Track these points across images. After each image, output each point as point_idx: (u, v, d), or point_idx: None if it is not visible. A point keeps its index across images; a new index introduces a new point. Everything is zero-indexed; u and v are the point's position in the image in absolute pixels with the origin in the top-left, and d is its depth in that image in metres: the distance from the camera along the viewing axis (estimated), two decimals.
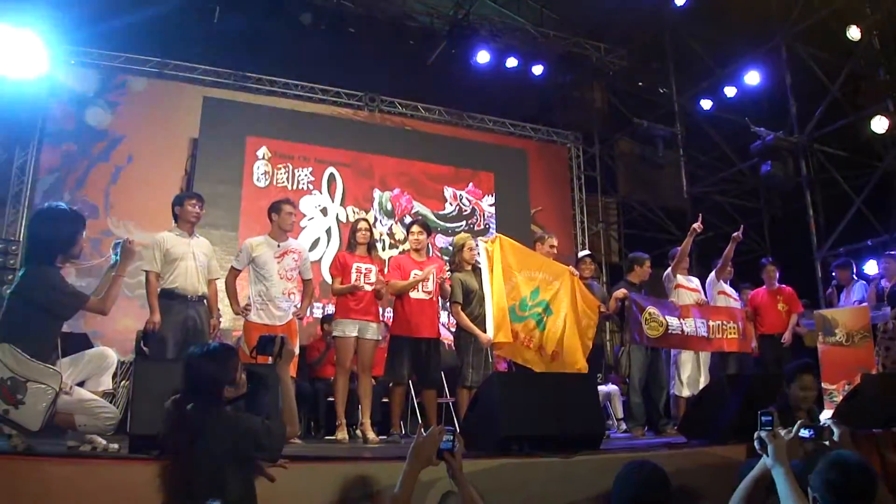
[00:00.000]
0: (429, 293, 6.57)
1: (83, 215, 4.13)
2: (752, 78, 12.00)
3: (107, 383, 4.13)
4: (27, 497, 3.11)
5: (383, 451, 5.23)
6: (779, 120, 11.46)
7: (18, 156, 10.72)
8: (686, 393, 7.48)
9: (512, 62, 12.67)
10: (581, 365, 6.67)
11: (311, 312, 10.26)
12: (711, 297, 7.99)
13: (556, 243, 7.46)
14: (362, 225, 6.63)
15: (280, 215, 6.40)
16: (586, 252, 8.40)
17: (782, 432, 3.00)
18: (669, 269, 7.84)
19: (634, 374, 7.36)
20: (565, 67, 13.04)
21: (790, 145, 11.05)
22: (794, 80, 11.39)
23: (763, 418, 3.14)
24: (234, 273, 6.36)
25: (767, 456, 2.91)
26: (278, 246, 6.33)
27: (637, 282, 7.66)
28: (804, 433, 3.24)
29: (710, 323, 7.53)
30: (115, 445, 3.83)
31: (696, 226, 7.67)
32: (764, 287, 8.53)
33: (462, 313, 6.62)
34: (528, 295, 6.71)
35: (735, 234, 7.81)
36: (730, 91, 12.52)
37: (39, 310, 3.72)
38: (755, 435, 2.99)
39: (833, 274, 9.32)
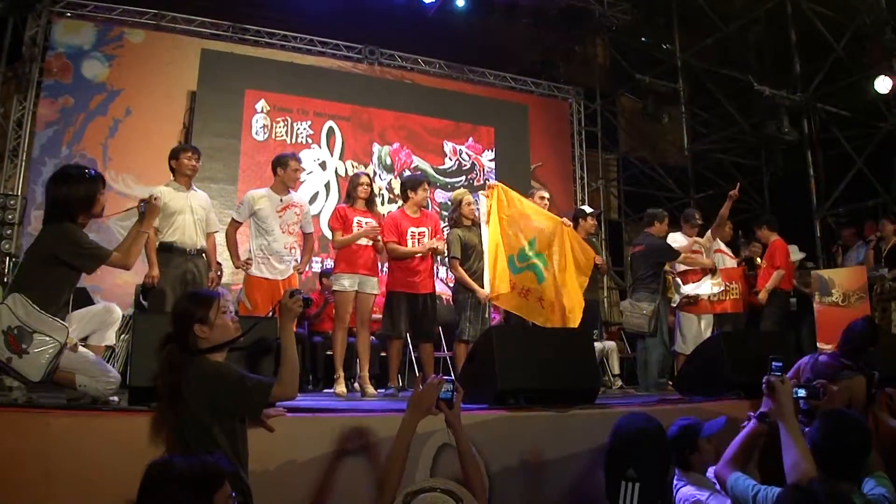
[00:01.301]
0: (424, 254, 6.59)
1: (102, 175, 4.14)
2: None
3: (111, 338, 4.18)
4: (28, 450, 3.14)
5: (381, 403, 5.27)
6: (782, 78, 11.37)
7: (16, 109, 10.67)
8: (689, 350, 7.52)
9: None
10: (576, 317, 6.69)
11: (311, 267, 10.29)
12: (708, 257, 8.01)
13: (546, 195, 7.47)
14: (364, 180, 6.61)
15: (286, 170, 6.38)
16: (594, 210, 8.34)
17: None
18: (709, 232, 7.91)
19: (663, 332, 7.44)
20: (568, 21, 12.87)
21: (793, 104, 10.97)
22: (799, 38, 11.27)
23: (773, 364, 3.18)
24: (234, 225, 6.36)
25: (774, 401, 2.94)
26: (280, 200, 6.32)
27: (659, 236, 7.67)
28: (799, 392, 3.28)
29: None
30: (116, 398, 3.87)
31: (733, 193, 7.69)
32: (779, 239, 8.33)
33: (461, 269, 6.65)
34: (527, 245, 6.72)
35: (731, 191, 7.73)
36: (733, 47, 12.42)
37: (58, 264, 3.74)
38: (764, 379, 3.02)
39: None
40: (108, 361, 4.22)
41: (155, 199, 4.33)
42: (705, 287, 7.75)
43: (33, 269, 3.77)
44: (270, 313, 3.93)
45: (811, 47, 11.21)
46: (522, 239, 6.71)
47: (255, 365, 3.65)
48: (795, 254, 9.25)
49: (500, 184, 6.93)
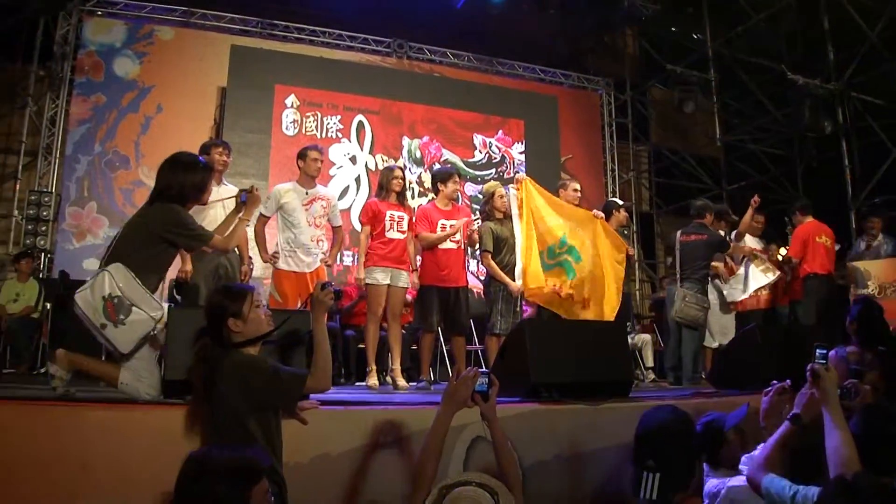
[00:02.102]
0: (457, 242, 6.56)
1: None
2: None
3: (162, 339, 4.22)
4: (65, 443, 3.17)
5: (413, 397, 5.27)
6: (816, 67, 11.21)
7: (49, 107, 10.79)
8: (714, 344, 7.49)
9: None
10: (613, 311, 6.67)
11: (341, 260, 10.33)
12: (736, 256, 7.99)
13: (579, 188, 7.40)
14: (398, 173, 6.59)
15: (305, 161, 6.39)
16: (626, 203, 8.27)
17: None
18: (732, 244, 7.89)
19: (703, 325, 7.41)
20: (597, 12, 12.78)
21: (826, 93, 10.81)
22: (832, 26, 11.10)
23: (818, 351, 3.14)
24: (262, 220, 6.37)
25: (818, 389, 2.90)
26: (306, 193, 6.33)
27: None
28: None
29: None
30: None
31: (755, 200, 7.78)
32: (811, 221, 8.20)
33: (493, 262, 6.63)
34: (556, 243, 6.71)
35: (753, 199, 7.73)
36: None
37: (160, 242, 3.76)
38: (808, 367, 2.97)
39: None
40: None
41: (256, 190, 4.40)
42: (759, 278, 7.73)
43: (135, 243, 3.76)
44: (301, 306, 3.94)
45: (845, 35, 11.04)
46: (552, 236, 6.70)
47: (288, 358, 3.65)
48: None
49: (528, 178, 6.91)
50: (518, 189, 6.72)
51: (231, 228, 4.24)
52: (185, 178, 3.89)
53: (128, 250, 3.71)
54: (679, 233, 7.58)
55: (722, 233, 7.83)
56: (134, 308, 3.55)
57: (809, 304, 7.87)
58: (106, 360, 3.70)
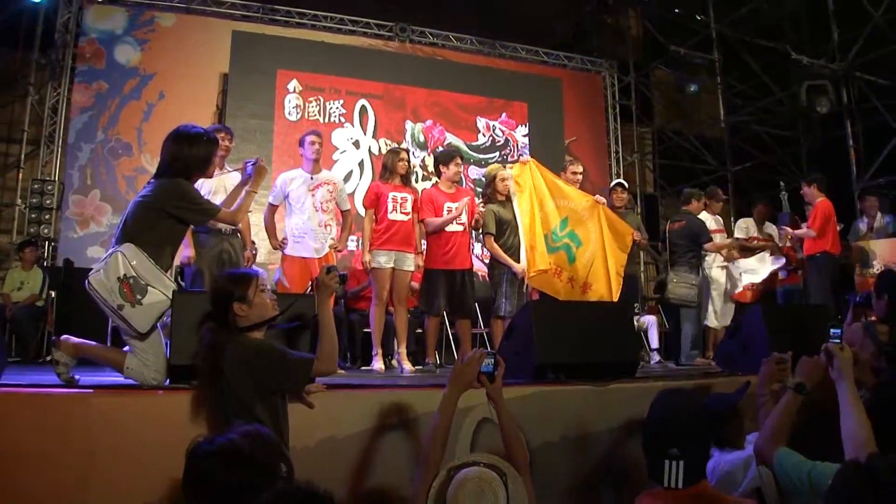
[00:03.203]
0: (462, 224, 6.55)
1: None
2: None
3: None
4: (72, 429, 3.17)
5: (419, 379, 5.27)
6: (820, 47, 11.15)
7: (51, 96, 10.78)
8: (716, 324, 7.53)
9: None
10: (612, 297, 6.70)
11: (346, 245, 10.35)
12: None
13: (579, 170, 7.41)
14: (403, 155, 6.60)
15: (304, 146, 6.41)
16: (618, 181, 8.28)
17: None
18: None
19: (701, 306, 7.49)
20: None
21: (831, 73, 10.75)
22: (837, 6, 11.02)
23: (832, 331, 3.15)
24: (271, 209, 6.41)
25: (833, 368, 2.89)
26: (311, 178, 6.33)
27: (696, 214, 7.78)
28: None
29: None
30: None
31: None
32: (826, 199, 8.11)
33: (496, 245, 6.62)
34: (558, 225, 6.75)
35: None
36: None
37: (167, 217, 3.74)
38: (822, 347, 2.97)
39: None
40: None
41: (262, 160, 4.37)
42: (767, 265, 7.79)
43: (143, 221, 3.73)
44: (308, 290, 3.93)
45: (849, 15, 10.95)
46: (553, 220, 6.71)
47: (294, 342, 3.65)
48: None
49: (532, 159, 6.91)
50: (521, 171, 6.71)
51: (238, 201, 4.21)
52: (189, 151, 3.87)
53: (137, 229, 3.69)
54: (668, 221, 7.84)
55: (716, 215, 8.03)
56: (150, 287, 3.55)
57: (824, 281, 7.83)
58: (111, 346, 3.69)
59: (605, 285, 6.81)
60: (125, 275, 3.51)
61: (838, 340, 3.06)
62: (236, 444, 2.05)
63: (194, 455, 2.08)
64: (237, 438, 2.07)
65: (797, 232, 8.02)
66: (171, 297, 3.60)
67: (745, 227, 8.38)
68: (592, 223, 6.87)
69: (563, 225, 6.76)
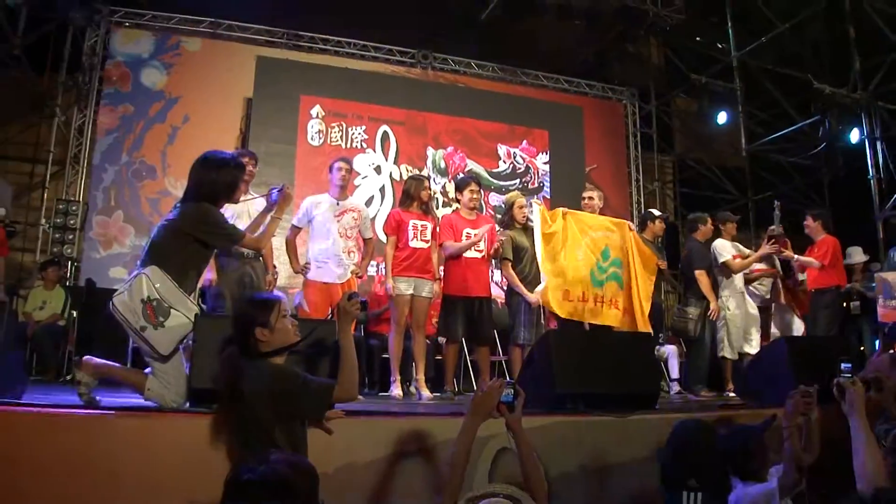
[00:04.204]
0: (481, 251, 6.57)
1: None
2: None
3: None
4: (95, 450, 3.19)
5: (437, 407, 5.26)
6: (841, 76, 11.12)
7: (77, 117, 10.91)
8: (730, 355, 7.44)
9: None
10: (646, 320, 6.70)
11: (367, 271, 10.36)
12: None
13: (593, 195, 7.42)
14: (426, 184, 6.65)
15: (332, 173, 6.46)
16: (662, 214, 8.30)
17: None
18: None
19: (707, 336, 7.41)
20: (621, 22, 12.73)
21: (853, 102, 10.72)
22: (858, 35, 11.00)
23: (843, 365, 3.14)
24: (294, 231, 6.45)
25: (845, 402, 2.89)
26: (338, 204, 6.37)
27: (703, 240, 7.65)
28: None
29: None
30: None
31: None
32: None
33: (512, 272, 6.63)
34: (600, 257, 6.70)
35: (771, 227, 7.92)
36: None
37: (192, 242, 3.79)
38: (834, 381, 2.96)
39: None
40: None
41: (287, 187, 4.41)
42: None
43: (169, 244, 3.78)
44: (329, 316, 3.94)
45: (870, 44, 10.92)
46: (594, 253, 6.69)
47: (314, 367, 3.65)
48: (859, 255, 9.06)
49: (567, 209, 6.86)
50: (553, 217, 6.69)
51: (262, 227, 4.25)
52: (217, 176, 3.93)
53: (162, 252, 3.74)
54: None
55: (734, 241, 7.92)
56: (172, 310, 3.60)
57: (834, 314, 7.88)
58: (132, 368, 3.72)
59: (644, 311, 6.78)
60: (149, 297, 3.56)
61: (849, 375, 3.06)
62: (280, 474, 2.04)
63: (237, 483, 2.06)
64: (282, 468, 2.06)
65: (802, 259, 7.97)
66: (193, 319, 3.63)
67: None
68: (629, 246, 6.88)
69: (606, 255, 6.75)
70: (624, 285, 6.76)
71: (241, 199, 5.92)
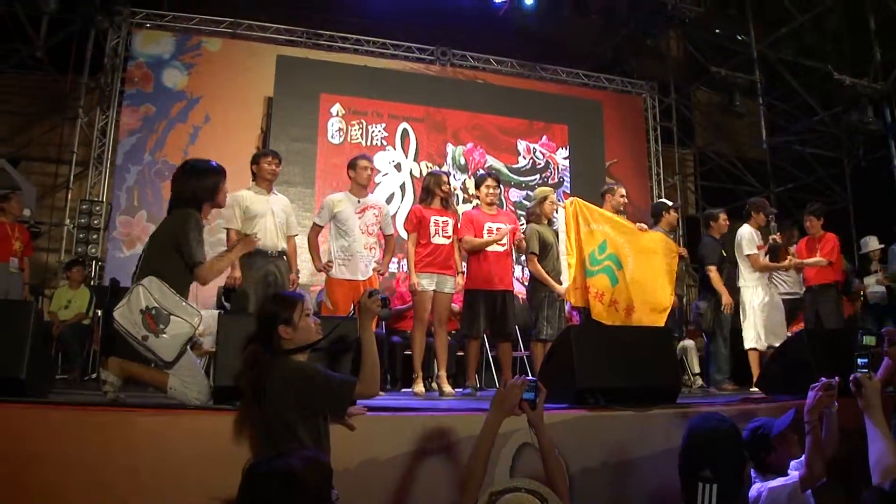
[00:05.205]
0: (503, 245, 6.57)
1: (224, 168, 4.27)
2: None
3: (210, 343, 4.32)
4: (116, 447, 3.24)
5: (460, 403, 5.28)
6: (862, 66, 11.04)
7: (99, 118, 11.02)
8: (755, 345, 7.33)
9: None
10: (659, 317, 6.64)
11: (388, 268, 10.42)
12: None
13: (625, 192, 7.38)
14: (445, 178, 6.65)
15: (356, 171, 6.47)
16: (675, 203, 8.25)
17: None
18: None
19: (724, 329, 7.35)
20: (640, 15, 12.69)
21: (874, 92, 10.65)
22: (878, 25, 10.92)
23: (859, 360, 3.14)
24: (316, 229, 6.48)
25: (861, 398, 2.90)
26: (358, 202, 6.41)
27: (718, 236, 7.59)
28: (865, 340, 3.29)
29: None
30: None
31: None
32: (805, 237, 8.43)
33: (539, 265, 6.63)
34: (596, 249, 6.68)
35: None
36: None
37: (176, 251, 3.84)
38: (850, 377, 2.97)
39: None
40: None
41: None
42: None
43: (161, 253, 3.87)
44: (351, 312, 3.97)
45: (891, 34, 10.86)
46: (591, 243, 6.67)
47: (336, 364, 3.70)
48: (875, 243, 9.04)
49: (576, 198, 6.89)
50: (566, 208, 6.71)
51: (216, 262, 4.07)
52: (197, 183, 4.02)
53: (156, 261, 3.83)
54: None
55: (750, 229, 7.67)
56: (172, 317, 3.66)
57: (839, 308, 8.13)
58: (154, 367, 3.78)
59: (652, 311, 6.73)
60: (147, 306, 3.64)
61: (866, 370, 3.06)
62: (292, 468, 2.09)
63: (250, 475, 2.12)
64: (294, 462, 2.11)
65: (811, 261, 7.95)
66: (195, 324, 3.70)
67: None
68: (635, 247, 6.83)
69: (602, 248, 6.73)
70: (619, 282, 6.70)
71: (265, 196, 6.04)
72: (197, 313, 3.78)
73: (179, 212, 3.95)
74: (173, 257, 3.83)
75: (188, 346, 3.77)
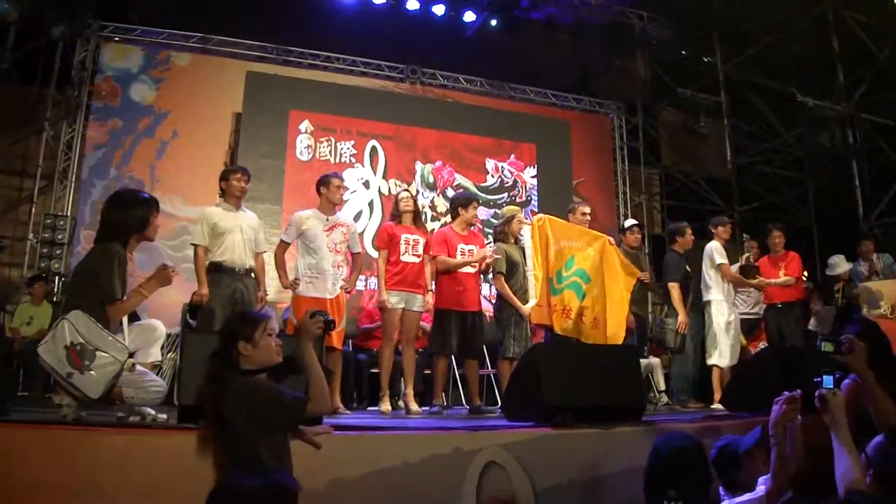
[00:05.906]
0: (473, 266, 6.62)
1: (156, 199, 4.23)
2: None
3: (156, 355, 4.25)
4: (78, 467, 3.21)
5: (426, 422, 5.28)
6: (826, 88, 11.25)
7: (65, 132, 10.91)
8: (718, 362, 7.37)
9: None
10: (619, 333, 6.68)
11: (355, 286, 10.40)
12: None
13: (588, 211, 7.45)
14: (404, 195, 6.70)
15: (329, 189, 6.42)
16: (634, 221, 8.33)
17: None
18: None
19: (690, 346, 7.39)
20: (608, 37, 12.83)
21: (837, 114, 10.84)
22: (842, 49, 11.14)
23: (824, 377, 3.20)
24: (283, 246, 6.43)
25: (826, 414, 2.95)
26: (327, 219, 6.37)
27: (682, 252, 7.65)
28: (824, 347, 3.36)
29: None
30: (164, 416, 3.93)
31: None
32: (767, 255, 8.56)
33: (505, 285, 6.66)
34: (563, 266, 6.74)
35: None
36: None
37: (94, 287, 3.80)
38: (816, 393, 3.02)
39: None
40: None
41: (173, 271, 4.19)
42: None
43: (82, 288, 3.84)
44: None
45: (854, 57, 11.09)
46: (559, 261, 6.72)
47: (291, 382, 3.68)
48: (844, 265, 9.16)
49: (547, 215, 6.94)
50: (537, 222, 6.75)
51: (129, 300, 3.99)
52: (125, 214, 3.99)
53: (80, 296, 3.79)
54: None
55: (717, 243, 7.79)
56: (98, 353, 3.60)
57: (801, 327, 8.31)
58: None
59: (616, 324, 6.78)
60: (72, 342, 3.57)
61: (830, 387, 3.13)
62: (255, 492, 2.09)
63: (214, 500, 2.11)
64: (258, 485, 2.11)
65: (778, 281, 8.09)
66: (121, 360, 3.64)
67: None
68: (602, 261, 6.86)
69: (570, 264, 6.77)
70: (587, 296, 6.75)
71: (234, 213, 6.00)
72: (124, 348, 3.72)
73: (101, 247, 3.93)
74: (92, 292, 3.80)
75: (115, 383, 3.69)
